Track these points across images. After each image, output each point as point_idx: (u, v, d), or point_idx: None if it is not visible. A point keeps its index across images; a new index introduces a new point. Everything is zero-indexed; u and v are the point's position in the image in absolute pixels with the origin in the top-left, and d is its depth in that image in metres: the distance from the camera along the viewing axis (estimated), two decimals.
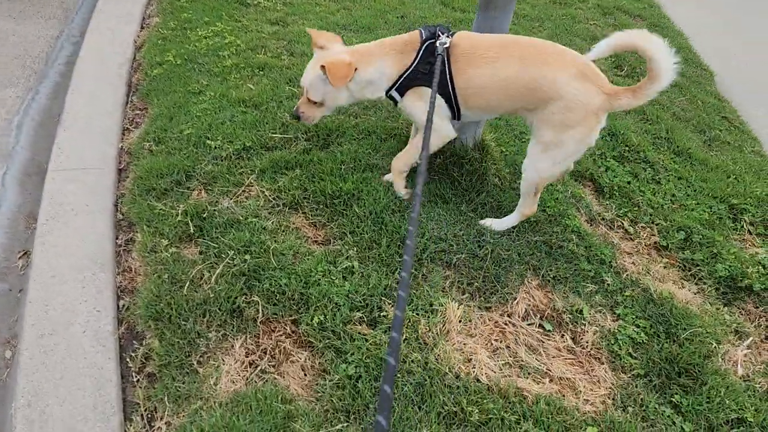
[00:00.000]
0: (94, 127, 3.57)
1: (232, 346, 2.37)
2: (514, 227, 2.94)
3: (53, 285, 2.61)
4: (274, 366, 2.35)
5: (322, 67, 2.61)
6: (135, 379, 2.31)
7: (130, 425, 2.15)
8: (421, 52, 2.65)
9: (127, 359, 2.38)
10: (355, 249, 2.73)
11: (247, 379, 2.29)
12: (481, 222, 2.95)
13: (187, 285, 2.52)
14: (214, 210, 2.87)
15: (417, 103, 2.73)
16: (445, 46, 2.60)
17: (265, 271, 2.59)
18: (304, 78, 2.79)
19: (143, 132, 3.37)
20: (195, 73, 3.88)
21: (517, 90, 2.59)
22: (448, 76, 2.64)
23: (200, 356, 2.31)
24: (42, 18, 5.28)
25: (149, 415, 2.19)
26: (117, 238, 2.89)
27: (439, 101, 2.71)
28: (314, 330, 2.41)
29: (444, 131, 2.81)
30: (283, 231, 2.81)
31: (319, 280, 2.56)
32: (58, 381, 2.24)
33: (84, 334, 2.42)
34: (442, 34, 2.63)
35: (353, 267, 2.65)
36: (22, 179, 3.67)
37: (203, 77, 3.84)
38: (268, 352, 2.39)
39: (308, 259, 2.67)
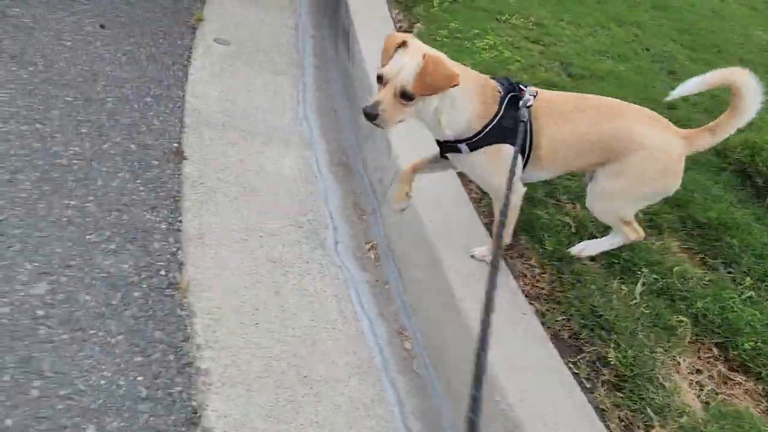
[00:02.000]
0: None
1: (678, 363, 2.44)
2: None
3: (465, 282, 2.66)
4: (716, 387, 2.42)
5: (425, 56, 2.20)
6: (588, 386, 2.38)
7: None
8: (504, 104, 2.40)
9: (569, 365, 2.44)
10: (748, 279, 2.81)
11: (699, 397, 2.36)
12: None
13: (613, 298, 2.58)
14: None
15: (493, 161, 2.44)
16: (529, 104, 2.39)
17: (674, 292, 2.66)
18: (395, 67, 2.23)
19: None
20: None
21: (593, 144, 2.48)
22: (529, 135, 2.45)
23: (661, 370, 2.37)
24: (276, 8, 5.40)
25: (624, 424, 2.25)
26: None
27: (519, 161, 2.46)
28: (748, 356, 2.48)
29: (522, 190, 2.60)
30: (666, 253, 2.89)
31: (733, 306, 2.64)
32: (533, 383, 2.30)
33: (524, 335, 2.49)
34: (523, 88, 2.46)
35: (752, 297, 2.73)
36: (332, 170, 3.75)
37: None
38: (703, 372, 2.45)
39: (705, 284, 2.75)
